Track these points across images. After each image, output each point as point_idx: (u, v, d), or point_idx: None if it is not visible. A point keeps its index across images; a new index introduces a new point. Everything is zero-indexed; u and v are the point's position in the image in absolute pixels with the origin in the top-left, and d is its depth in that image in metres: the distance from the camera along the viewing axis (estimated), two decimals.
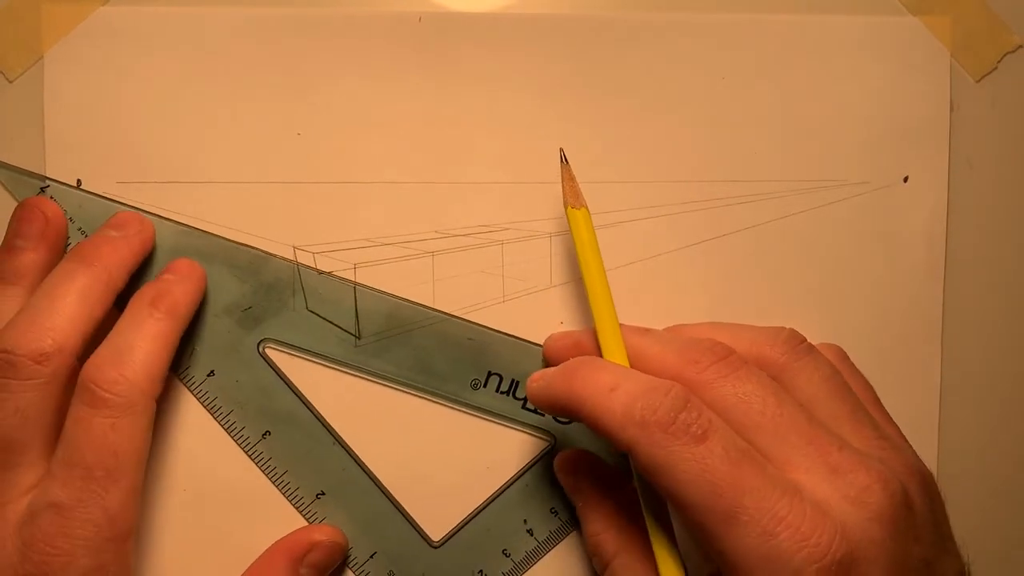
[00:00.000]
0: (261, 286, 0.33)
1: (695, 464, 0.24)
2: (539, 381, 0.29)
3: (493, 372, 0.33)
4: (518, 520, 0.33)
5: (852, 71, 0.34)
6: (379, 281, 0.33)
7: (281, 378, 0.33)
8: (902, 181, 0.34)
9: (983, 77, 0.34)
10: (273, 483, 0.33)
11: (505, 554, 0.33)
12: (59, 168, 0.33)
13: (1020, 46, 0.34)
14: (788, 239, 0.34)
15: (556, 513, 0.33)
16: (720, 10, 0.34)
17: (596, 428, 0.26)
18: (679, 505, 0.25)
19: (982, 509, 0.35)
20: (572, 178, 0.31)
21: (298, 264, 0.33)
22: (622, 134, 0.34)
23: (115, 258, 0.31)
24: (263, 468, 0.33)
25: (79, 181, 0.33)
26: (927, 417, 0.35)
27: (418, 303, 0.33)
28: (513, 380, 0.33)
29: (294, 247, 0.34)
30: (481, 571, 0.33)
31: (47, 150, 0.33)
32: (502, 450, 0.34)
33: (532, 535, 0.33)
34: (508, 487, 0.34)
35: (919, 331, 0.34)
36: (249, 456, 0.33)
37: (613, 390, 0.26)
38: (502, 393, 0.33)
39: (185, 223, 0.33)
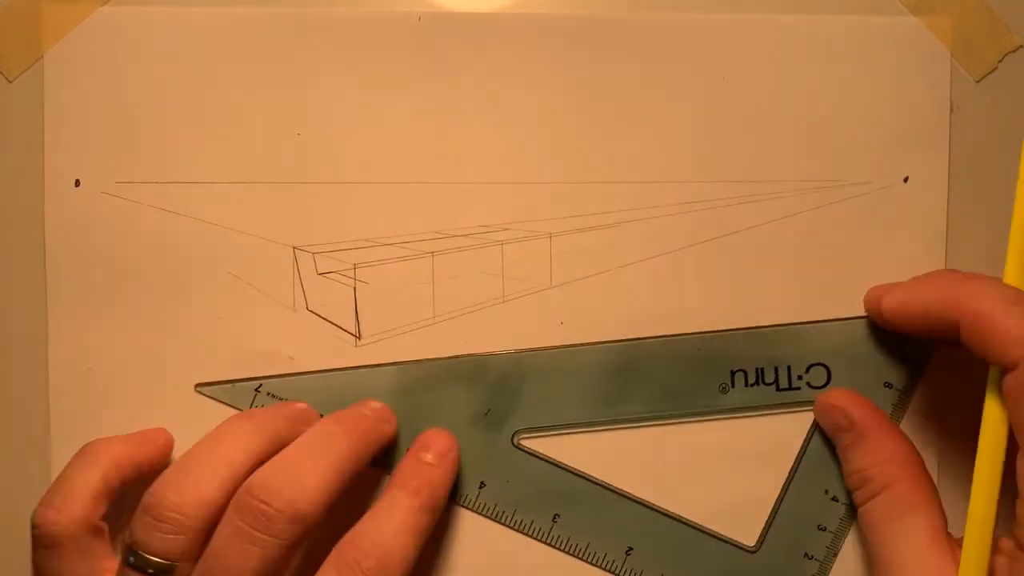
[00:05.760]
0: (490, 387, 0.33)
1: None
2: (902, 290, 0.30)
3: (736, 369, 0.34)
4: (819, 493, 0.33)
5: (852, 71, 0.34)
6: (379, 281, 0.33)
7: (545, 460, 0.34)
8: (902, 181, 0.34)
9: (983, 77, 0.34)
10: (580, 558, 0.33)
11: (821, 528, 0.33)
12: (58, 168, 0.33)
13: (1021, 46, 0.34)
14: (788, 239, 0.34)
15: None
16: (720, 10, 0.34)
17: (979, 340, 0.26)
18: None
19: None
20: None
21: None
22: (622, 134, 0.34)
23: (372, 438, 0.31)
24: (565, 549, 0.33)
25: (78, 181, 0.33)
26: None
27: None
28: (758, 369, 0.34)
29: (294, 247, 0.34)
30: (806, 554, 0.33)
31: (46, 150, 0.33)
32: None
33: (838, 501, 0.33)
34: (797, 467, 0.34)
35: None
36: (549, 544, 0.33)
37: (1016, 304, 0.26)
38: (751, 386, 0.34)
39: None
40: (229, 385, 0.33)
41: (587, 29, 0.33)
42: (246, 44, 0.33)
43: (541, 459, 0.34)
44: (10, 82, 0.33)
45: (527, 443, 0.34)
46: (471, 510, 0.33)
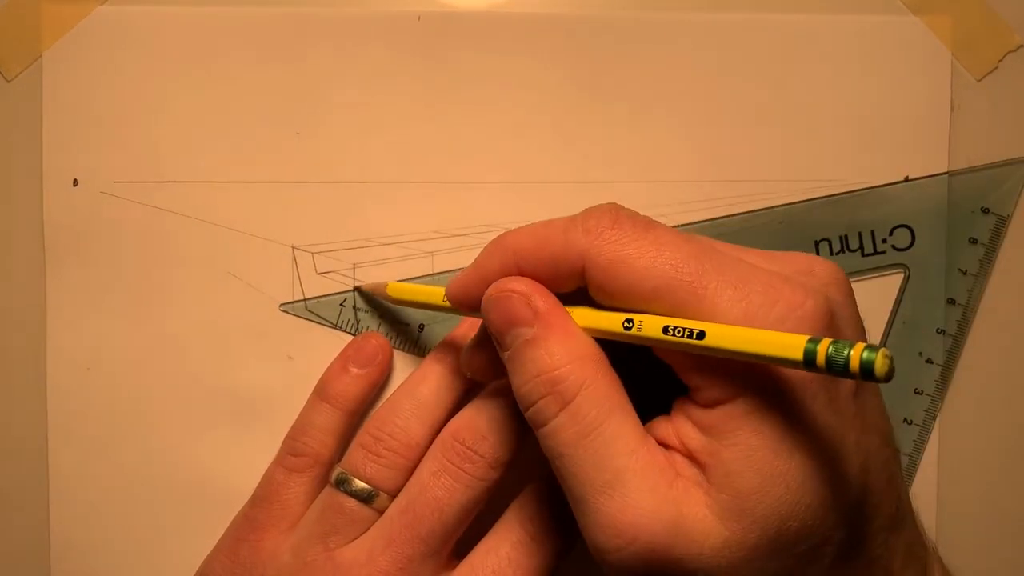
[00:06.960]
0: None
1: (650, 248, 0.24)
2: (459, 279, 0.27)
3: (820, 239, 0.34)
4: (914, 356, 0.34)
5: (852, 71, 0.34)
6: (378, 280, 0.33)
7: None
8: (902, 180, 0.34)
9: (984, 77, 0.34)
10: None
11: (918, 392, 0.34)
12: (56, 167, 0.33)
13: (1021, 45, 0.34)
14: None
15: (943, 333, 0.34)
16: (720, 10, 0.34)
17: (539, 263, 0.25)
18: (645, 296, 0.24)
19: (980, 509, 0.35)
20: (373, 288, 0.33)
21: None
22: (622, 134, 0.34)
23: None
24: None
25: (76, 180, 0.33)
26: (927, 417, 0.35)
27: None
28: (842, 236, 0.34)
29: (293, 247, 0.33)
30: (905, 419, 0.34)
31: (44, 149, 0.33)
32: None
33: (932, 363, 0.34)
34: (889, 331, 0.34)
35: None
36: None
37: (548, 225, 0.26)
38: (837, 254, 0.34)
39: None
40: (314, 301, 0.34)
41: (587, 28, 0.33)
42: (246, 44, 0.33)
43: None
44: (9, 82, 0.33)
45: None
46: None
